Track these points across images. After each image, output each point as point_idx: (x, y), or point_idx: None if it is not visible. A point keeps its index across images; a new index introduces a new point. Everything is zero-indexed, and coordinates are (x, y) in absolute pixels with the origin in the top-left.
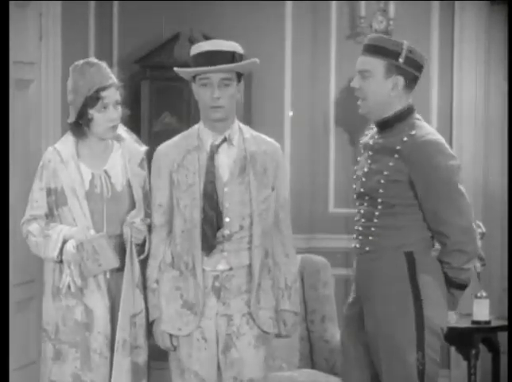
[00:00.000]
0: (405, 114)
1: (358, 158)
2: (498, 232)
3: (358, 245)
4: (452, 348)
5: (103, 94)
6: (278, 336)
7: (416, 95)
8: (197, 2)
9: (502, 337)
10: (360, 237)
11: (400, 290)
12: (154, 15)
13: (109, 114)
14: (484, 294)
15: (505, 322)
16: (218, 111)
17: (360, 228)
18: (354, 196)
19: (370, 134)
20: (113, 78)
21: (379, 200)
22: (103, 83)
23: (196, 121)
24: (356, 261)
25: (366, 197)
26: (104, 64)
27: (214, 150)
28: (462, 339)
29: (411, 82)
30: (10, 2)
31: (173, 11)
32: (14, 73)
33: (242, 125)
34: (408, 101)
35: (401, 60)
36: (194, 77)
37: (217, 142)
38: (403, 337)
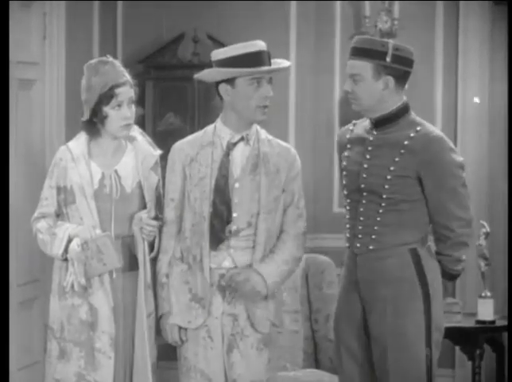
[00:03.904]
0: (403, 111)
1: (346, 153)
2: (503, 232)
3: (358, 244)
4: (457, 348)
5: (118, 91)
6: None
7: (420, 95)
8: (201, 2)
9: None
10: (360, 236)
11: (409, 288)
12: (158, 15)
13: (123, 112)
14: (488, 293)
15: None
16: (265, 112)
17: (360, 227)
18: (345, 192)
19: (361, 129)
20: (127, 76)
21: (384, 196)
22: (117, 81)
23: (200, 121)
24: (358, 261)
25: (365, 193)
26: (118, 63)
27: (230, 148)
28: (466, 339)
29: (402, 78)
30: (14, 2)
31: (177, 11)
32: (18, 73)
33: (259, 127)
34: (403, 97)
35: (388, 59)
36: (232, 77)
37: (234, 140)
38: (414, 335)
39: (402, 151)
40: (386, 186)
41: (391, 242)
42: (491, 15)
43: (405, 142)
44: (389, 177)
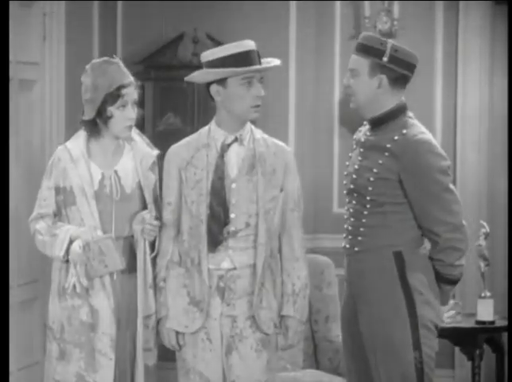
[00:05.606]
0: (396, 113)
1: (350, 154)
2: (503, 232)
3: (347, 245)
4: (456, 349)
5: (123, 91)
6: (283, 348)
7: (420, 96)
8: (201, 3)
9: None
10: (350, 237)
11: (391, 291)
12: (158, 15)
13: (127, 113)
14: (488, 294)
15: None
16: (258, 110)
17: (350, 228)
18: (345, 192)
19: (363, 131)
20: (131, 77)
21: (368, 198)
22: (124, 81)
23: (200, 121)
24: (347, 261)
25: (355, 194)
26: (122, 63)
27: (224, 149)
28: (466, 339)
29: (398, 81)
30: (14, 2)
31: (177, 11)
32: (18, 73)
33: (253, 127)
34: (400, 99)
35: (385, 58)
36: (223, 78)
37: (228, 141)
38: (399, 338)
39: (386, 154)
40: (370, 188)
41: (376, 244)
42: (491, 15)
43: (388, 145)
44: (372, 179)
